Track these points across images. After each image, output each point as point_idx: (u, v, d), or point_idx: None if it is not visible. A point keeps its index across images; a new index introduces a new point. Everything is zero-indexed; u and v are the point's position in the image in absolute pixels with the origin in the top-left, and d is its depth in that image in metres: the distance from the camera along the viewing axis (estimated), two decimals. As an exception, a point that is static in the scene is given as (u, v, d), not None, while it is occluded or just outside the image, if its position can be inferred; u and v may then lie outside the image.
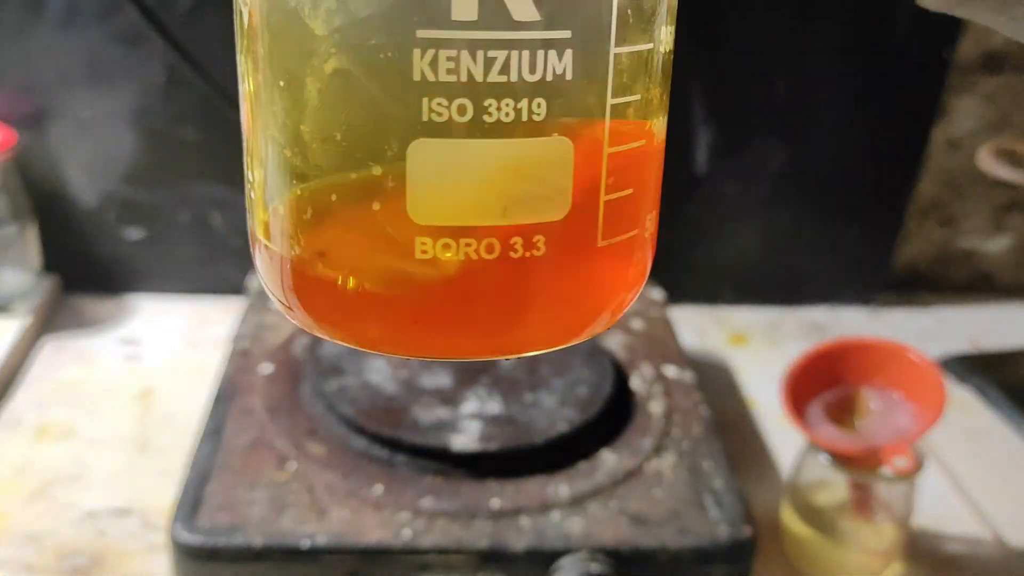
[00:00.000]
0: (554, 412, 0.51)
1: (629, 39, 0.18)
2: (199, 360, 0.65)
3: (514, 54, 0.16)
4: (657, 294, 0.67)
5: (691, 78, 0.69)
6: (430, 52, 0.16)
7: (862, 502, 0.49)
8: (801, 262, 0.79)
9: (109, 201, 0.69)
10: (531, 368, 0.55)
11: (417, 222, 0.17)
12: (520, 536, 0.43)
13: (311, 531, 0.42)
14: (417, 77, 0.16)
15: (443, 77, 0.16)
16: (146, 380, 0.63)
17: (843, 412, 0.50)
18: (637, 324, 0.63)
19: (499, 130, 0.17)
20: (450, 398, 0.51)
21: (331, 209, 0.18)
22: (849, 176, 0.76)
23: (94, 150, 0.67)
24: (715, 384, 0.68)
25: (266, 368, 0.55)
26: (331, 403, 0.50)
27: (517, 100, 0.17)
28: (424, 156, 0.17)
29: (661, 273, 0.70)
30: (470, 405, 0.51)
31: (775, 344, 0.74)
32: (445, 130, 0.17)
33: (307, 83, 0.17)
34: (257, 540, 0.42)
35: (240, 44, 0.19)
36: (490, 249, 0.17)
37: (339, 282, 0.18)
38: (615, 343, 0.60)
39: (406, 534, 0.43)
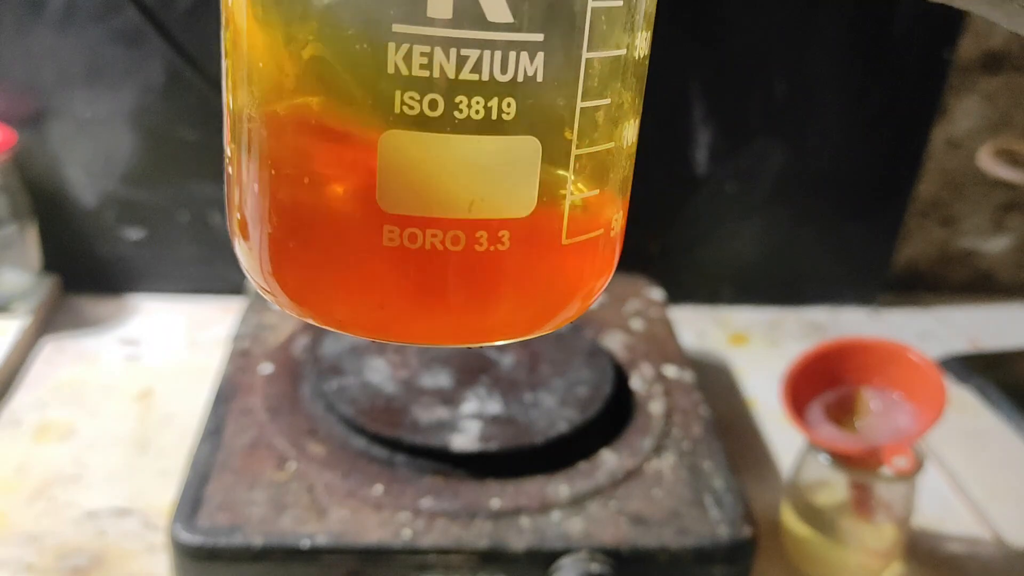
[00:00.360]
0: (554, 412, 0.51)
1: (602, 44, 0.18)
2: (199, 360, 0.65)
3: (486, 54, 0.17)
4: (657, 294, 0.67)
5: (691, 78, 0.69)
6: (404, 47, 0.16)
7: (862, 502, 0.49)
8: (801, 262, 0.79)
9: (109, 201, 0.69)
10: (531, 368, 0.55)
11: (385, 210, 0.18)
12: (520, 536, 0.43)
13: (311, 531, 0.42)
14: (391, 70, 0.17)
15: (416, 72, 0.17)
16: (146, 380, 0.63)
17: (843, 412, 0.50)
18: (637, 324, 0.63)
19: (469, 126, 0.17)
20: (450, 398, 0.51)
21: (304, 191, 0.18)
22: (849, 176, 0.76)
23: (94, 150, 0.67)
24: (715, 384, 0.68)
25: (266, 368, 0.55)
26: (331, 403, 0.50)
27: (487, 99, 0.17)
28: (394, 147, 0.17)
29: (661, 273, 0.70)
30: (470, 405, 0.51)
31: (775, 344, 0.74)
32: (416, 123, 0.17)
33: (286, 67, 0.17)
34: (257, 540, 0.42)
35: (224, 18, 0.19)
36: (455, 241, 0.18)
37: (310, 263, 0.19)
38: (615, 343, 0.60)
39: (406, 534, 0.43)
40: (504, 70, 0.17)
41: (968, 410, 0.67)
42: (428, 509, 0.44)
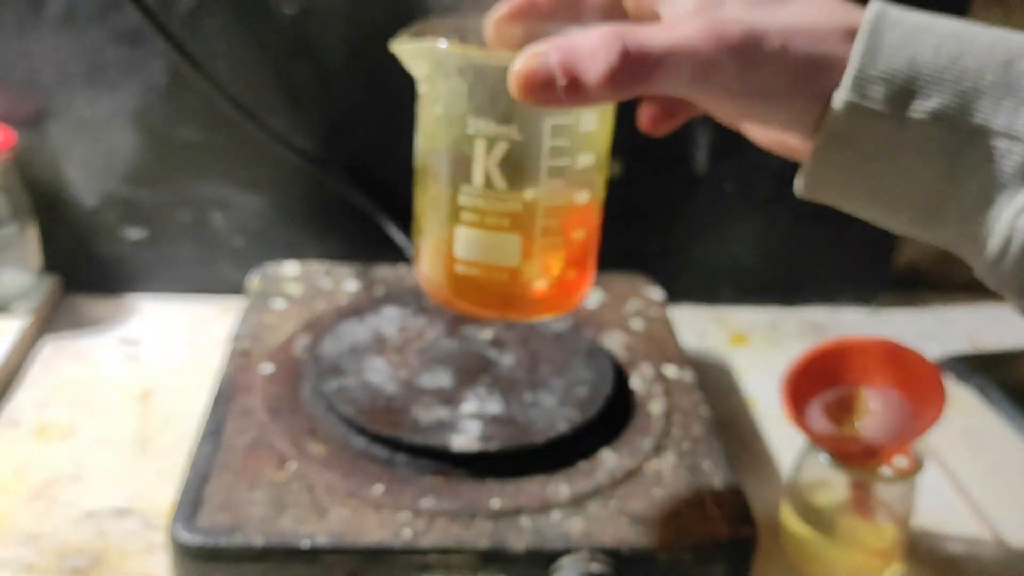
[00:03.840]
0: (554, 412, 0.51)
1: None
2: (199, 360, 0.65)
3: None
4: (657, 294, 0.67)
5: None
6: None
7: (862, 502, 0.49)
8: (801, 262, 0.79)
9: (109, 201, 0.69)
10: (531, 368, 0.55)
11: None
12: (520, 536, 0.43)
13: (311, 531, 0.42)
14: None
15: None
16: (146, 380, 0.63)
17: (843, 412, 0.50)
18: (637, 324, 0.63)
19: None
20: (450, 398, 0.51)
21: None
22: (849, 176, 0.76)
23: (94, 150, 0.67)
24: (715, 384, 0.68)
25: (266, 368, 0.55)
26: (331, 403, 0.50)
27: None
28: (458, 235, 0.37)
29: (661, 273, 0.70)
30: (470, 405, 0.51)
31: (775, 344, 0.74)
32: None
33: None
34: (257, 540, 0.42)
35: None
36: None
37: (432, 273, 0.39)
38: (615, 343, 0.60)
39: (406, 534, 0.43)
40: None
41: (968, 410, 0.67)
42: (428, 509, 0.44)
